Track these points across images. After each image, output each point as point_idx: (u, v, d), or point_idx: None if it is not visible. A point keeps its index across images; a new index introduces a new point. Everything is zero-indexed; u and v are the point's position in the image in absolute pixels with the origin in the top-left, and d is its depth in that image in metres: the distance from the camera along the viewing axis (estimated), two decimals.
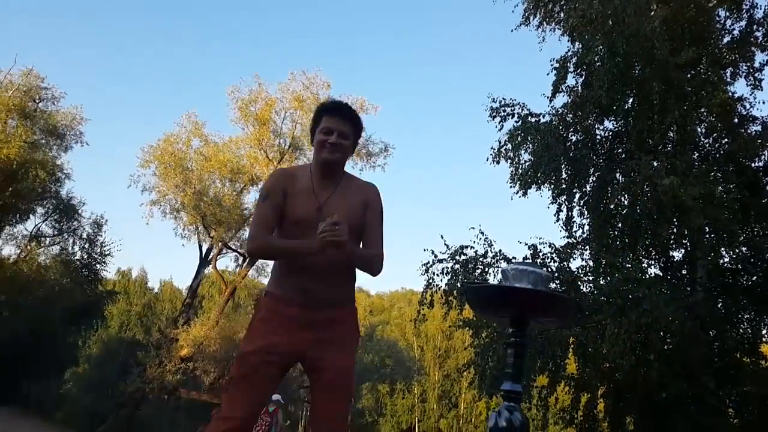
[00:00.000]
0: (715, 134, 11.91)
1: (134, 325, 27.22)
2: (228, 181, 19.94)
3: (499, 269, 10.79)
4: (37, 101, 21.66)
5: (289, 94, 19.30)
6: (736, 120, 11.89)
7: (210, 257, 20.99)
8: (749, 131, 11.71)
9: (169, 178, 19.09)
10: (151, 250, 68.45)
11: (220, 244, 20.19)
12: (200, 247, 21.06)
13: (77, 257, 24.25)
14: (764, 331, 11.01)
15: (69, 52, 54.74)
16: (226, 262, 24.66)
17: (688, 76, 11.38)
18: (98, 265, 24.54)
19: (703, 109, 11.73)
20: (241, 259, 20.79)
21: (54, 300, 22.80)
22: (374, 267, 2.53)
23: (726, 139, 11.67)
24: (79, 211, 23.57)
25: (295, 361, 2.54)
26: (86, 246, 24.14)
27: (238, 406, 2.33)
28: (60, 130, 21.90)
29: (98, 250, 24.22)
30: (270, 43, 65.00)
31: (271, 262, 2.75)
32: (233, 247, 20.83)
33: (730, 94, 12.04)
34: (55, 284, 23.41)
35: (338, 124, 2.54)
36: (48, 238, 23.82)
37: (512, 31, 12.83)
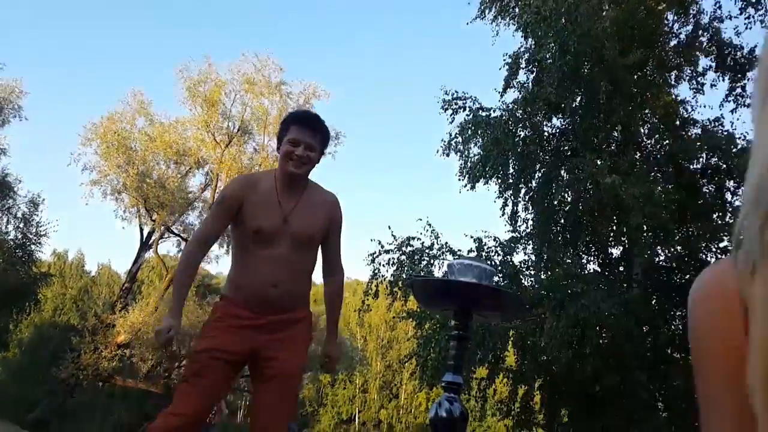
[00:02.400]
0: (657, 135, 12.22)
1: (69, 309, 26.28)
2: (173, 163, 19.35)
3: (445, 262, 10.86)
4: None
5: (239, 75, 18.82)
6: (677, 122, 12.24)
7: (151, 241, 20.39)
8: (690, 134, 12.07)
9: (111, 158, 18.43)
10: (89, 232, 65.81)
11: (162, 227, 19.62)
12: (141, 230, 20.43)
13: (11, 237, 23.15)
14: None
15: (4, 25, 52.29)
16: (168, 247, 23.99)
17: (635, 77, 11.64)
18: (33, 246, 23.42)
19: (647, 110, 12.05)
20: (183, 243, 20.23)
21: None
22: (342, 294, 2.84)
23: (667, 141, 11.98)
24: (15, 189, 22.47)
25: (246, 362, 2.56)
26: (21, 225, 23.03)
27: (189, 402, 2.39)
28: None
29: (34, 230, 23.14)
30: (221, 24, 63.42)
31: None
32: (176, 232, 20.28)
33: (673, 96, 12.41)
34: None
35: (306, 137, 2.55)
36: None
37: (468, 24, 12.81)
